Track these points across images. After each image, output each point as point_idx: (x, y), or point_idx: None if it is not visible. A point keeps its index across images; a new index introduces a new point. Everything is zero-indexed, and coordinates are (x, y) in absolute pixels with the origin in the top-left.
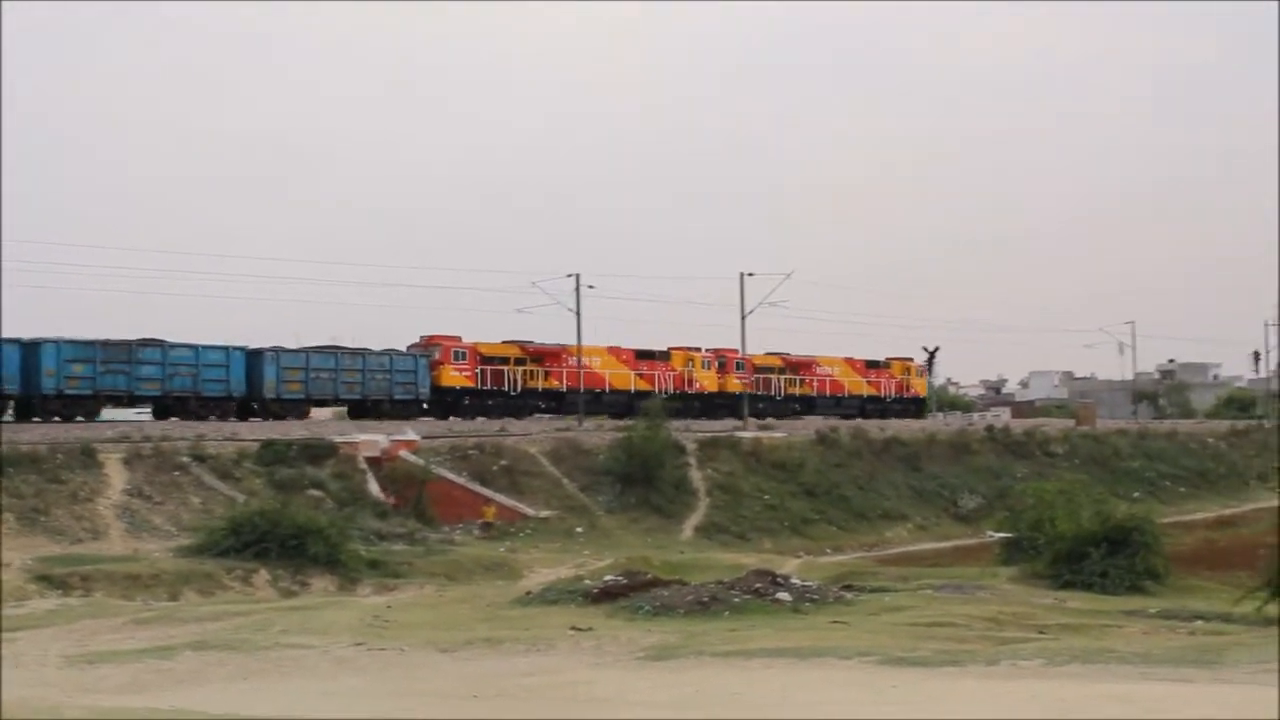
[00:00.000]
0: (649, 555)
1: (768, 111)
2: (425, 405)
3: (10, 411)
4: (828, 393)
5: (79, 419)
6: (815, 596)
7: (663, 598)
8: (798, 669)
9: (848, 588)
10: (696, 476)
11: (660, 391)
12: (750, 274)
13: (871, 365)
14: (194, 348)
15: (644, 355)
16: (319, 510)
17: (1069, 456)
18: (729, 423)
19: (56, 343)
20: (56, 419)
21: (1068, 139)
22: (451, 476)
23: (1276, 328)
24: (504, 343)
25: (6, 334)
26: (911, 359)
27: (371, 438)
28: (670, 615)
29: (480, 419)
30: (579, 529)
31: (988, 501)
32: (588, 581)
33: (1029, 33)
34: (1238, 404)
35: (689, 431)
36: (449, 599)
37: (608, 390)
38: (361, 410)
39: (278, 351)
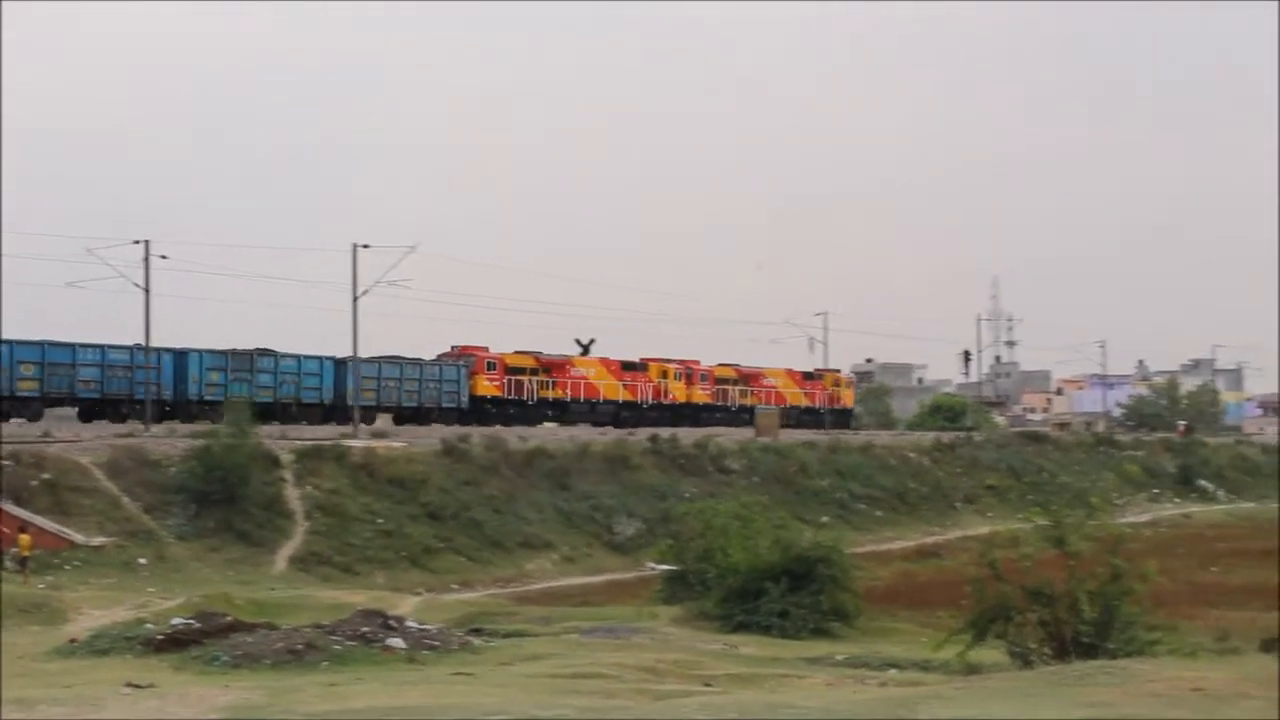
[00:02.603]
0: (230, 592)
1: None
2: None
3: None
4: (771, 404)
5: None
6: (436, 643)
7: (246, 645)
8: None
9: (476, 632)
10: (293, 495)
11: (642, 401)
12: (365, 245)
13: (807, 377)
14: (297, 357)
15: (628, 367)
16: None
17: (747, 473)
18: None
19: (200, 352)
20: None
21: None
22: None
23: (990, 323)
24: (519, 353)
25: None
26: (839, 370)
27: None
28: (255, 667)
29: (15, 422)
30: (142, 560)
31: (649, 527)
32: (150, 626)
33: None
34: (945, 412)
35: (284, 440)
36: None
37: (601, 400)
38: (415, 417)
39: (357, 362)
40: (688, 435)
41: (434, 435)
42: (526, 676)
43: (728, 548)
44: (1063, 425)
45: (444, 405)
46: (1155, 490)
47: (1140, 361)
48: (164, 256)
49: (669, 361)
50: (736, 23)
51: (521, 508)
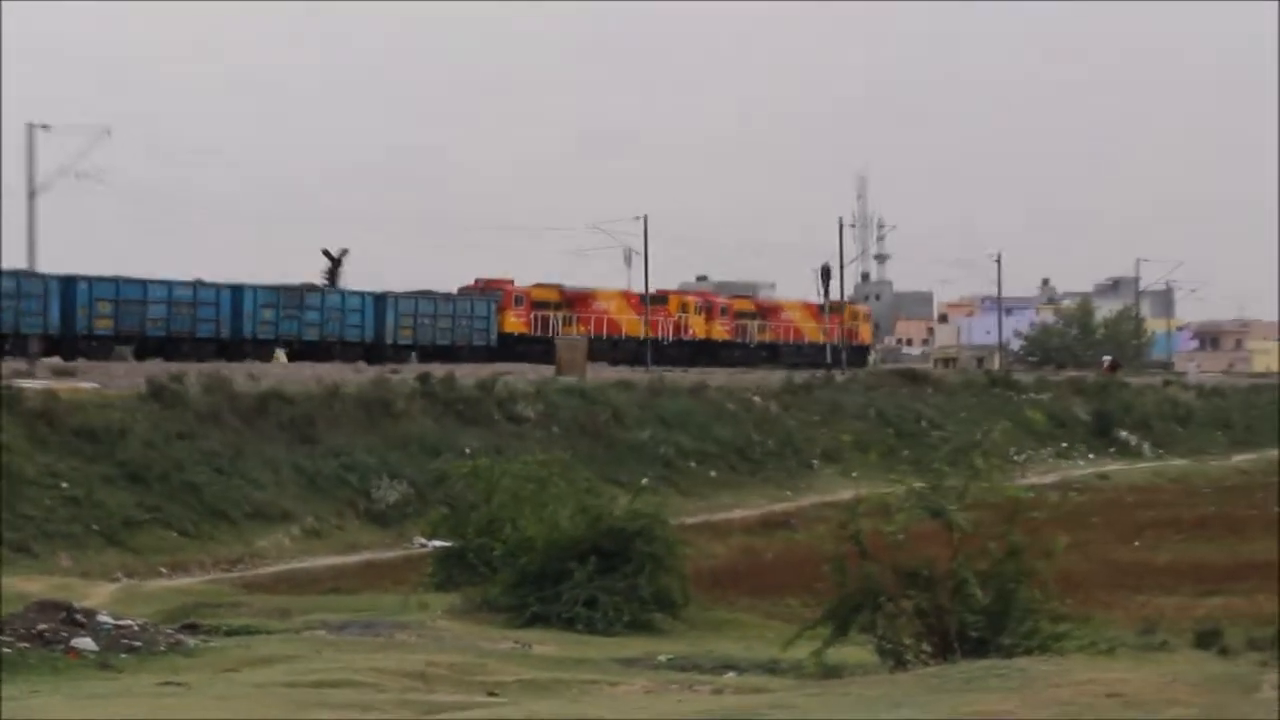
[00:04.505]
0: None
1: None
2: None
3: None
4: (791, 340)
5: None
6: (138, 643)
7: None
8: None
9: (191, 628)
10: None
11: (663, 338)
12: (44, 126)
13: (823, 310)
14: (340, 293)
15: (647, 300)
16: None
17: (545, 422)
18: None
19: (255, 288)
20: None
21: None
22: None
23: (856, 230)
24: (542, 285)
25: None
26: (854, 302)
27: None
28: None
29: None
30: None
31: (418, 492)
32: None
33: None
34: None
35: None
36: None
37: (623, 337)
38: (446, 354)
39: (396, 298)
40: (470, 374)
41: (138, 373)
42: (256, 686)
43: (519, 518)
44: (948, 361)
45: (474, 344)
46: (1064, 444)
47: (1045, 281)
48: None
49: (687, 294)
50: None
51: (252, 468)
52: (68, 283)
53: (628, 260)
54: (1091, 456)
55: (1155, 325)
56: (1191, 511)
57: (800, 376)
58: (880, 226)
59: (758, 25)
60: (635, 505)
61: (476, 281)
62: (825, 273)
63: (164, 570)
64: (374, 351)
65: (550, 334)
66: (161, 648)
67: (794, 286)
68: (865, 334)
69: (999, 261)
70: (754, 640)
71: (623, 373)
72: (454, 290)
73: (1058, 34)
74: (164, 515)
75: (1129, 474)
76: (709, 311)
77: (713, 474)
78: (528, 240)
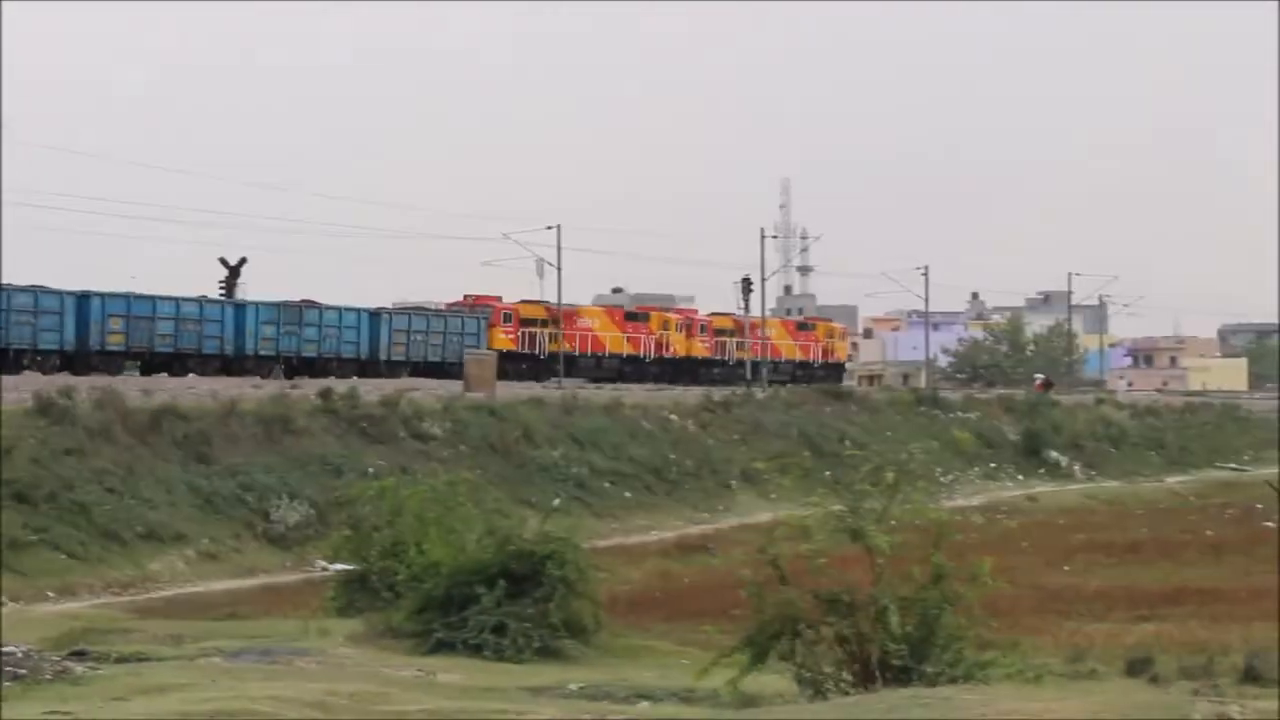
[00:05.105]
0: None
1: None
2: None
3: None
4: (769, 356)
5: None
6: (22, 671)
7: None
8: None
9: (79, 655)
10: None
11: (644, 355)
12: None
13: (800, 328)
14: (337, 310)
15: (630, 317)
16: None
17: (452, 440)
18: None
19: (256, 305)
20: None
21: None
22: None
23: (779, 241)
24: (529, 303)
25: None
26: (832, 320)
27: None
28: None
29: None
30: None
31: (319, 513)
32: None
33: None
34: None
35: None
36: None
37: (606, 354)
38: (438, 370)
39: (390, 314)
40: (373, 390)
41: (24, 385)
42: (148, 716)
43: (425, 541)
44: (872, 378)
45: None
46: (992, 464)
47: (974, 295)
48: None
49: (668, 311)
50: None
51: (145, 487)
52: (82, 299)
53: (540, 271)
54: (1020, 478)
55: (1088, 341)
56: (1124, 535)
57: (719, 394)
58: (804, 237)
59: (677, 27)
60: (546, 527)
61: (465, 298)
62: (746, 285)
63: (51, 594)
64: (369, 367)
65: (537, 351)
66: (47, 675)
67: (714, 298)
68: (841, 352)
69: (926, 275)
70: (669, 668)
71: (533, 389)
72: (440, 304)
73: (988, 41)
74: (51, 536)
75: (1059, 496)
76: (689, 329)
77: (627, 495)
78: (442, 249)
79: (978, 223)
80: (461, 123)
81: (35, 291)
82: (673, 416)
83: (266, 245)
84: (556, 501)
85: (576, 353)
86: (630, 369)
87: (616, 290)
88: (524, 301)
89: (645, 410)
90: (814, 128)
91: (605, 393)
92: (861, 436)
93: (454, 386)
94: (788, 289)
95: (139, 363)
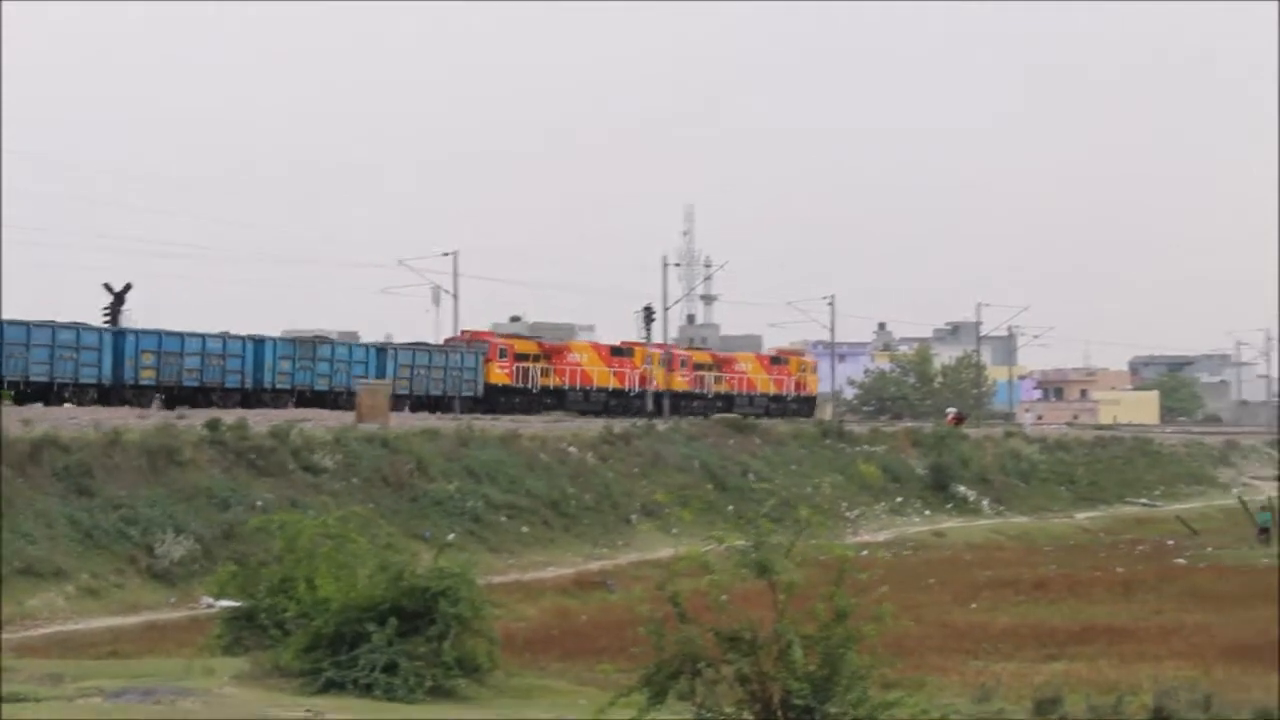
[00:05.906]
0: None
1: None
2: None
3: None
4: (743, 390)
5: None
6: None
7: None
8: None
9: None
10: None
11: (629, 389)
12: None
13: (774, 361)
14: (348, 345)
15: (616, 352)
16: None
17: (344, 472)
18: None
19: (274, 340)
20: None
21: None
22: None
23: (681, 269)
24: (523, 338)
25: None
26: (803, 353)
27: None
28: None
29: None
30: None
31: (205, 548)
32: None
33: None
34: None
35: None
36: None
37: (594, 388)
38: (438, 404)
39: (396, 350)
40: (262, 420)
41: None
42: None
43: (314, 577)
44: None
45: (464, 394)
46: (899, 499)
47: (881, 325)
48: None
49: (651, 346)
50: None
51: (22, 520)
52: (118, 335)
53: (436, 299)
54: (928, 513)
55: (997, 374)
56: (1032, 572)
57: (620, 425)
58: (707, 265)
59: (574, 44)
60: (440, 563)
61: (462, 334)
62: (648, 314)
63: None
64: None
65: (530, 385)
66: None
67: (615, 328)
68: (813, 385)
69: (832, 304)
70: (565, 708)
71: (427, 420)
72: (442, 339)
73: (897, 67)
74: None
75: (967, 531)
76: (669, 363)
77: (524, 529)
78: (336, 277)
79: (885, 253)
80: (358, 155)
81: (78, 329)
82: (571, 449)
83: (145, 271)
84: (451, 536)
85: (566, 386)
86: (616, 402)
87: (515, 319)
88: (517, 337)
89: (543, 442)
90: (721, 152)
91: (502, 424)
92: (765, 470)
93: (346, 417)
94: (690, 318)
95: (162, 396)
